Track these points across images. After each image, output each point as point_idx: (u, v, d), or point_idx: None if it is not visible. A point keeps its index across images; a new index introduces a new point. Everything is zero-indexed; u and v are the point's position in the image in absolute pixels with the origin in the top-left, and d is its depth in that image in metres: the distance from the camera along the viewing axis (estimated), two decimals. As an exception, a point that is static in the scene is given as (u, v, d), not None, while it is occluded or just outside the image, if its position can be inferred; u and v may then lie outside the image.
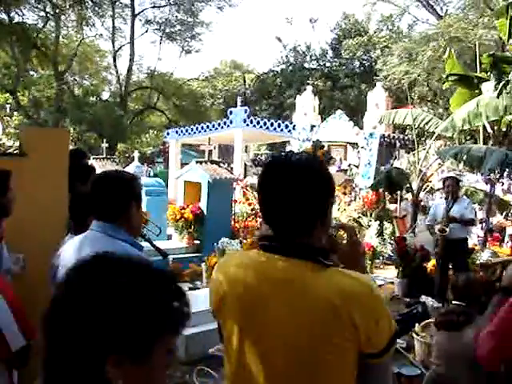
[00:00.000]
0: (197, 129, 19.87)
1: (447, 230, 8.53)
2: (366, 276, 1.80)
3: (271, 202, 1.81)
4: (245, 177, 17.20)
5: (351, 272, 1.78)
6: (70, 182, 3.94)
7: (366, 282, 1.76)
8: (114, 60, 38.03)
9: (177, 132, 20.79)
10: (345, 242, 2.06)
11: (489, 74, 11.19)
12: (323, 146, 10.22)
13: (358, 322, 1.69)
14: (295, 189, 1.75)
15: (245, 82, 39.84)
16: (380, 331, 1.73)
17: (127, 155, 33.07)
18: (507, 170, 9.47)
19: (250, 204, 12.93)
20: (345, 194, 14.39)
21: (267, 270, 1.81)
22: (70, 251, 2.51)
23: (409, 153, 15.28)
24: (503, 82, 9.81)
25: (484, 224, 11.01)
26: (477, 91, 11.50)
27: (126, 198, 2.57)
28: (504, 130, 11.45)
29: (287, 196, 1.76)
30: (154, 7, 38.64)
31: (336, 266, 1.81)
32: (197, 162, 11.55)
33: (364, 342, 1.72)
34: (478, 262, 3.10)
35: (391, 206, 13.81)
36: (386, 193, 13.16)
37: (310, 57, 37.43)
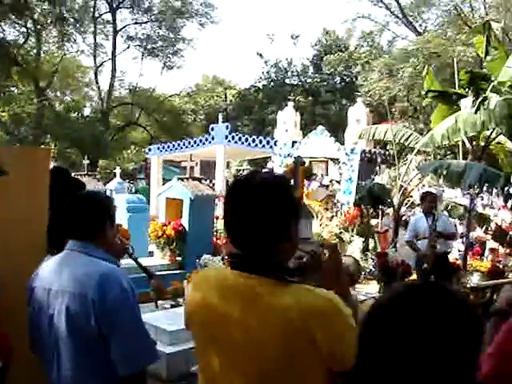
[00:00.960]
0: (178, 145, 19.87)
1: (438, 246, 8.61)
2: (330, 293, 1.79)
3: (234, 221, 1.86)
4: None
5: (315, 289, 1.79)
6: (57, 199, 3.90)
7: (329, 298, 1.76)
8: (96, 76, 38.03)
9: (158, 148, 20.76)
10: (325, 259, 2.08)
11: (467, 90, 11.34)
12: (304, 163, 10.23)
13: (318, 338, 1.70)
14: (256, 208, 1.78)
15: (226, 97, 39.93)
16: (346, 348, 1.71)
17: (109, 171, 32.93)
18: (486, 184, 9.55)
19: (232, 220, 12.91)
20: (326, 209, 14.42)
21: (231, 288, 1.85)
22: (48, 272, 2.49)
23: (390, 168, 15.37)
24: (480, 99, 9.94)
25: (464, 238, 11.07)
26: (455, 107, 11.63)
27: (102, 217, 2.58)
28: (482, 144, 11.57)
29: (248, 215, 1.80)
30: (135, 23, 38.77)
31: (300, 283, 1.82)
32: (178, 179, 11.52)
33: (327, 358, 1.73)
34: (468, 285, 3.10)
35: (373, 221, 13.86)
36: (368, 208, 13.22)
37: (292, 72, 37.61)
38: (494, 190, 14.26)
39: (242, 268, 1.84)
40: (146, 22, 38.76)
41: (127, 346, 2.30)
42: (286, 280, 1.79)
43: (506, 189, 14.48)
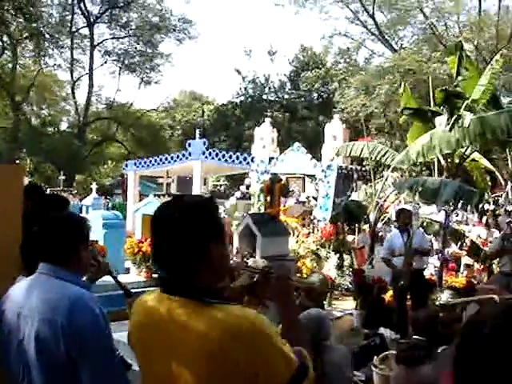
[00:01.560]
0: (155, 161, 19.78)
1: (414, 263, 8.66)
2: (252, 313, 1.81)
3: (156, 245, 1.91)
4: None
5: (238, 309, 1.80)
6: (31, 218, 3.82)
7: (250, 319, 1.77)
8: (73, 90, 37.86)
9: (135, 164, 20.65)
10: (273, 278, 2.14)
11: (441, 108, 11.48)
12: (281, 180, 10.28)
13: (240, 359, 1.70)
14: (173, 231, 1.84)
15: (203, 113, 39.93)
16: (270, 368, 1.74)
17: (85, 186, 32.70)
18: (461, 201, 9.64)
19: (209, 236, 12.84)
20: (303, 225, 14.44)
21: (156, 310, 1.89)
22: (18, 295, 2.45)
23: (366, 184, 15.46)
24: (455, 117, 10.06)
25: (440, 254, 11.15)
26: (431, 125, 11.75)
27: (75, 241, 2.54)
28: (457, 161, 11.69)
29: (167, 238, 1.86)
30: (113, 38, 38.71)
31: (223, 304, 1.82)
32: (155, 196, 11.51)
33: (252, 379, 1.72)
34: (437, 302, 3.14)
35: (349, 237, 13.91)
36: (345, 224, 13.27)
37: (269, 88, 37.76)
38: (469, 207, 14.39)
39: (167, 291, 1.89)
40: (123, 37, 38.76)
41: (97, 373, 2.25)
42: (208, 302, 1.80)
43: (481, 205, 14.68)
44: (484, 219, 16.24)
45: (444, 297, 3.06)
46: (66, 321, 2.23)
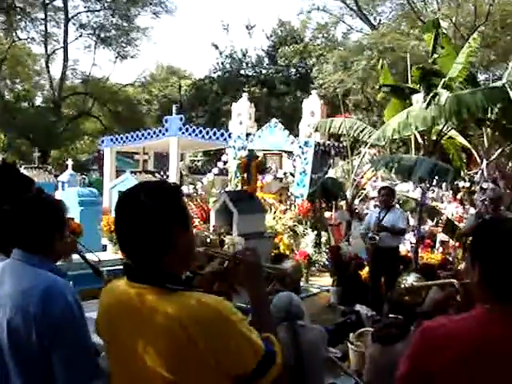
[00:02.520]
0: (132, 137, 19.56)
1: (377, 238, 8.69)
2: (218, 300, 1.81)
3: (120, 232, 1.90)
4: (181, 186, 17.06)
5: (203, 296, 1.80)
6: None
7: (214, 305, 1.77)
8: (47, 64, 37.23)
9: (111, 140, 20.40)
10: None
11: (419, 85, 11.50)
12: (258, 157, 10.28)
13: (201, 345, 1.71)
14: (136, 218, 1.84)
15: (180, 88, 39.60)
16: (234, 355, 1.76)
17: (61, 162, 32.36)
18: (436, 178, 9.70)
19: (185, 213, 12.80)
20: (280, 202, 14.47)
21: (120, 297, 1.90)
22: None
23: (344, 160, 15.49)
24: (431, 94, 10.09)
25: (416, 231, 11.25)
26: (408, 102, 11.80)
27: (51, 228, 2.46)
28: (434, 139, 11.74)
29: (130, 225, 1.85)
30: (88, 11, 38.05)
31: (190, 291, 1.83)
32: (131, 172, 11.42)
33: (216, 365, 1.74)
34: (402, 286, 3.17)
35: (326, 214, 13.96)
36: (322, 201, 13.29)
37: (247, 64, 37.47)
38: (444, 184, 14.51)
39: (132, 278, 1.88)
40: (98, 10, 38.08)
41: (70, 362, 2.20)
42: (173, 289, 1.80)
43: (456, 183, 14.81)
44: (459, 196, 16.41)
45: (410, 280, 3.09)
46: (38, 309, 2.18)
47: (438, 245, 13.09)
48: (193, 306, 1.75)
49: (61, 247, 2.55)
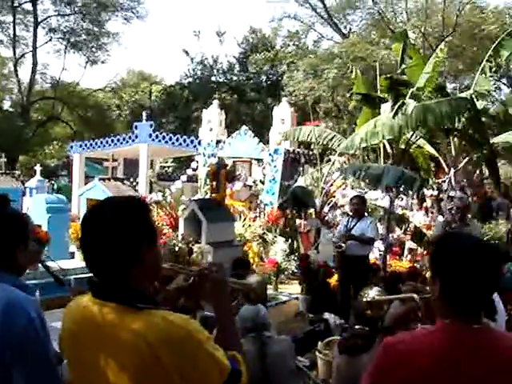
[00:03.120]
0: (101, 143, 19.43)
1: (343, 246, 8.74)
2: (184, 319, 1.80)
3: (85, 248, 1.88)
4: (150, 193, 16.96)
5: (170, 315, 1.79)
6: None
7: (180, 324, 1.77)
8: (16, 68, 36.71)
9: (81, 146, 20.23)
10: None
11: (388, 94, 11.61)
12: (226, 165, 10.30)
13: (168, 365, 1.70)
14: (102, 234, 1.82)
15: (151, 94, 39.40)
16: (200, 374, 1.75)
17: (29, 168, 31.93)
18: (403, 187, 9.78)
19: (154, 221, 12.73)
20: (250, 209, 14.47)
21: (85, 314, 1.86)
22: None
23: (314, 167, 15.56)
24: (399, 104, 10.19)
25: (384, 239, 11.33)
26: (378, 111, 11.90)
27: (14, 243, 2.43)
28: (402, 147, 11.85)
29: (96, 241, 1.83)
30: (58, 15, 37.63)
31: (157, 309, 1.82)
32: (100, 179, 11.32)
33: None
34: (364, 299, 3.19)
35: (296, 222, 13.99)
36: (292, 208, 13.35)
37: (217, 70, 37.39)
38: (411, 192, 14.64)
39: (97, 295, 1.86)
40: (68, 15, 37.70)
41: (32, 379, 2.17)
42: (140, 307, 1.79)
43: (424, 191, 14.95)
44: (427, 204, 16.56)
45: (372, 293, 3.10)
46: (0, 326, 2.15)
47: (406, 252, 13.19)
48: (159, 324, 1.74)
49: (25, 259, 2.52)
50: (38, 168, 19.37)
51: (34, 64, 36.13)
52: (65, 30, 37.91)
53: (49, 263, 3.69)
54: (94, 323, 1.81)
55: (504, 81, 28.00)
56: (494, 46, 12.50)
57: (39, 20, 36.45)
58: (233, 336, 2.07)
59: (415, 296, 2.51)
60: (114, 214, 1.85)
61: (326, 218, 13.93)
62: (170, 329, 1.73)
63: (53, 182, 25.91)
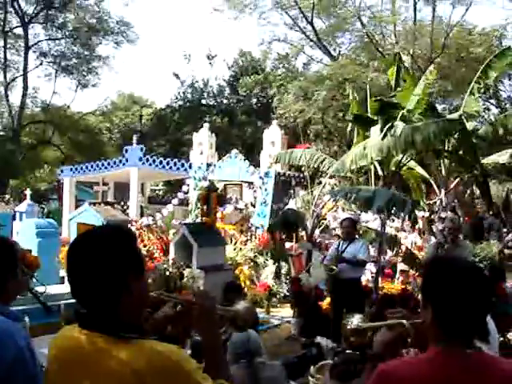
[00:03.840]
0: (92, 167, 19.40)
1: (335, 269, 8.70)
2: (172, 349, 1.77)
3: (72, 278, 1.85)
4: (141, 216, 16.91)
5: (156, 345, 1.76)
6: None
7: (168, 355, 1.74)
8: (6, 92, 36.71)
9: (71, 170, 20.20)
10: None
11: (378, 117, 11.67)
12: (217, 189, 10.31)
13: None
14: (88, 264, 1.80)
15: (141, 117, 39.45)
16: None
17: (20, 191, 31.82)
18: (394, 209, 9.77)
19: (145, 245, 12.68)
20: (241, 232, 14.44)
21: (71, 345, 1.83)
22: None
23: (305, 190, 15.57)
24: (388, 125, 10.23)
25: (376, 262, 11.31)
26: (369, 133, 11.96)
27: (4, 271, 2.41)
28: (393, 169, 11.88)
29: (82, 271, 1.81)
30: (49, 39, 37.76)
31: (143, 340, 1.78)
32: (90, 204, 11.29)
33: None
34: (348, 327, 3.16)
35: (287, 245, 13.96)
36: (282, 232, 13.33)
37: (208, 93, 37.50)
38: (402, 214, 14.66)
39: (84, 326, 1.83)
40: (59, 39, 37.84)
41: None
42: (128, 338, 1.76)
43: (415, 212, 14.97)
44: (419, 225, 16.58)
45: (355, 321, 3.08)
46: None
47: (397, 274, 13.16)
48: (147, 354, 1.71)
49: (14, 287, 2.50)
50: (28, 192, 19.30)
51: (25, 88, 36.15)
52: (56, 54, 38.03)
53: (39, 288, 3.67)
54: (81, 354, 1.78)
55: (492, 101, 28.25)
56: (482, 67, 12.62)
57: (30, 44, 36.55)
58: (221, 364, 2.04)
59: (404, 322, 2.47)
60: (100, 244, 1.83)
61: (318, 241, 13.91)
62: (157, 359, 1.71)
63: (43, 206, 25.81)
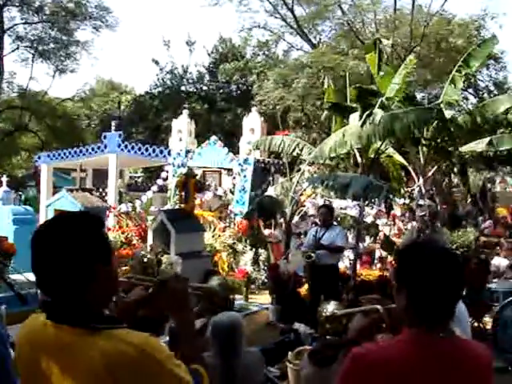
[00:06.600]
0: (70, 153, 19.19)
1: (313, 255, 8.74)
2: (141, 338, 1.74)
3: (37, 268, 1.79)
4: (120, 203, 16.81)
5: (126, 335, 1.73)
6: None
7: (139, 345, 1.70)
8: (-19, 77, 36.19)
9: (48, 156, 19.97)
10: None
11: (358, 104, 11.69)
12: (196, 175, 10.26)
13: None
14: (53, 253, 1.74)
15: (119, 104, 39.12)
16: None
17: (-4, 178, 31.44)
18: (370, 195, 9.81)
19: (123, 232, 12.62)
20: (220, 219, 14.43)
21: (40, 338, 1.78)
22: None
23: (284, 177, 15.58)
24: (367, 113, 10.26)
25: (354, 248, 11.37)
26: (348, 121, 11.99)
27: None
28: (372, 156, 11.92)
29: (47, 261, 1.75)
30: (25, 23, 37.14)
31: (112, 329, 1.75)
32: (67, 190, 11.18)
33: None
34: (323, 314, 3.16)
35: (266, 232, 13.98)
36: (260, 219, 13.33)
37: (187, 80, 37.27)
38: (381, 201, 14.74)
39: (52, 317, 1.78)
40: (36, 23, 37.21)
41: None
42: (96, 328, 1.72)
43: (394, 199, 15.08)
44: (398, 213, 16.71)
45: (330, 308, 3.08)
46: None
47: (376, 261, 13.25)
48: (118, 346, 1.68)
49: None
50: (4, 179, 19.07)
51: (1, 72, 35.61)
52: (32, 39, 37.43)
53: (15, 276, 3.64)
54: (49, 347, 1.75)
55: (471, 91, 28.44)
56: (463, 56, 12.70)
57: (5, 28, 35.96)
58: (194, 347, 2.02)
59: (379, 307, 2.48)
60: (66, 230, 1.78)
61: (297, 228, 13.94)
62: (128, 350, 1.67)
63: (20, 193, 25.54)
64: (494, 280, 10.23)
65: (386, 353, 2.02)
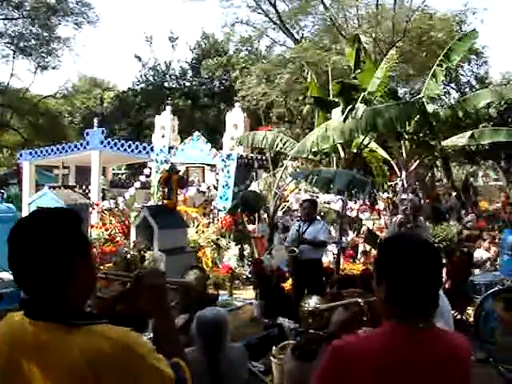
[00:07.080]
0: (52, 150, 19.09)
1: (296, 250, 8.75)
2: (122, 333, 1.73)
3: (13, 266, 1.77)
4: (103, 200, 16.74)
5: (105, 330, 1.72)
6: None
7: (120, 340, 1.70)
8: (-39, 74, 35.82)
9: (30, 153, 19.85)
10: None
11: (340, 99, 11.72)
12: (178, 171, 10.24)
13: (107, 383, 1.64)
14: (31, 249, 1.72)
15: (102, 100, 38.87)
16: None
17: (-22, 176, 31.16)
18: (354, 190, 9.86)
19: (106, 229, 12.57)
20: (204, 215, 14.42)
21: (18, 336, 1.76)
22: None
23: (268, 172, 15.59)
24: (349, 107, 10.30)
25: (337, 243, 11.41)
26: (330, 115, 12.02)
27: None
28: (354, 151, 11.97)
29: (25, 256, 1.73)
30: (5, 19, 36.78)
31: (91, 325, 1.73)
32: (50, 187, 11.11)
33: None
34: (305, 309, 3.16)
35: (250, 227, 13.99)
36: (244, 214, 13.33)
37: (170, 76, 37.15)
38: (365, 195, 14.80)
39: (30, 315, 1.76)
40: (16, 19, 36.84)
41: None
42: (75, 324, 1.71)
43: (377, 193, 15.17)
44: (381, 207, 16.77)
45: (312, 302, 3.09)
46: None
47: (359, 255, 13.30)
48: (98, 342, 1.67)
49: None
50: (-15, 176, 18.98)
51: (-19, 70, 35.31)
52: (13, 35, 37.03)
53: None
54: (28, 346, 1.72)
55: (453, 85, 28.59)
56: (445, 50, 12.77)
57: (-15, 23, 35.62)
58: (174, 341, 2.01)
59: (360, 300, 2.49)
60: (44, 227, 1.76)
61: (280, 222, 13.96)
62: (109, 346, 1.66)
63: (2, 191, 25.34)
64: (477, 272, 10.34)
65: (365, 345, 2.03)
